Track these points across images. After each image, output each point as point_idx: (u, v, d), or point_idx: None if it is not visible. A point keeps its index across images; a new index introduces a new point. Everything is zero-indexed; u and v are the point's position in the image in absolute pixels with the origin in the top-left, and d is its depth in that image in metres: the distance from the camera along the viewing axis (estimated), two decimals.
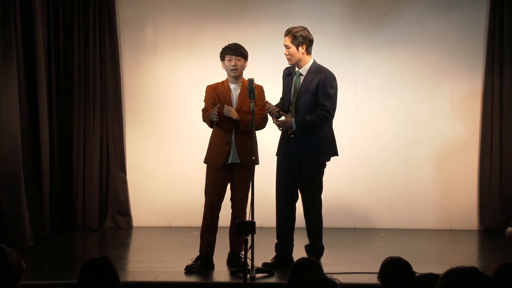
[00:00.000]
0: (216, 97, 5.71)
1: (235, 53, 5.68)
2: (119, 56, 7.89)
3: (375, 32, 7.86)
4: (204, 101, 5.82)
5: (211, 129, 5.77)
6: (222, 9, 7.94)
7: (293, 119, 5.57)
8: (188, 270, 5.55)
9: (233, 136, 5.66)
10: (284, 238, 5.74)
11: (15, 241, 6.16)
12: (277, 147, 5.80)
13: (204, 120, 5.76)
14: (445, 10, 7.81)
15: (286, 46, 5.64)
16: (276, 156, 5.81)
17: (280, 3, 7.92)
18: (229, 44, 5.76)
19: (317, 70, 5.66)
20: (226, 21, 7.91)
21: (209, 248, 5.69)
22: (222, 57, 5.74)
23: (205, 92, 5.83)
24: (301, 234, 5.85)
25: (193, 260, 5.65)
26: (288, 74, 5.81)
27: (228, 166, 5.70)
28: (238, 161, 5.67)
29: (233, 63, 5.67)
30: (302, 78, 5.67)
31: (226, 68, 5.74)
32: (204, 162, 5.81)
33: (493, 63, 7.66)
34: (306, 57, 5.66)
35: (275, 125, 5.70)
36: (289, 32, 5.64)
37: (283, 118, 5.64)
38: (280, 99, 5.91)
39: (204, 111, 5.79)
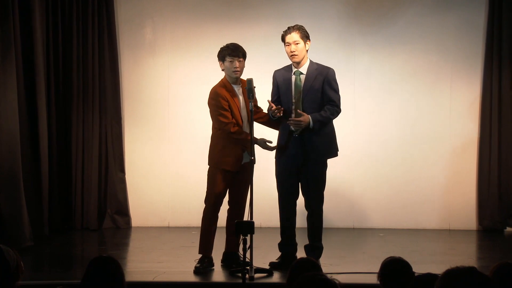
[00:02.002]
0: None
1: (236, 54, 5.55)
2: (118, 56, 7.88)
3: (374, 32, 7.86)
4: (223, 112, 5.49)
5: (213, 130, 5.67)
6: (221, 9, 7.93)
7: (309, 116, 5.50)
8: (198, 271, 5.50)
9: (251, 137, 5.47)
10: (289, 237, 5.73)
11: (14, 241, 6.15)
12: (277, 149, 5.68)
13: (239, 137, 5.48)
14: (444, 10, 7.81)
15: (295, 42, 5.56)
16: (275, 159, 5.73)
17: (280, 3, 7.91)
18: (228, 45, 5.63)
19: (318, 68, 5.64)
20: (225, 21, 7.90)
21: (211, 248, 5.66)
22: (222, 58, 5.59)
23: (220, 99, 5.52)
24: (301, 234, 5.84)
25: (197, 260, 5.60)
26: (283, 76, 5.69)
27: (240, 166, 5.63)
28: (248, 160, 5.55)
29: (235, 65, 5.54)
30: (303, 77, 5.62)
31: (226, 69, 5.60)
32: (214, 166, 5.61)
33: (492, 63, 7.66)
34: (306, 54, 5.65)
35: (290, 123, 5.54)
36: (298, 28, 5.58)
37: (292, 115, 5.56)
38: (272, 102, 5.63)
39: (230, 126, 5.48)
